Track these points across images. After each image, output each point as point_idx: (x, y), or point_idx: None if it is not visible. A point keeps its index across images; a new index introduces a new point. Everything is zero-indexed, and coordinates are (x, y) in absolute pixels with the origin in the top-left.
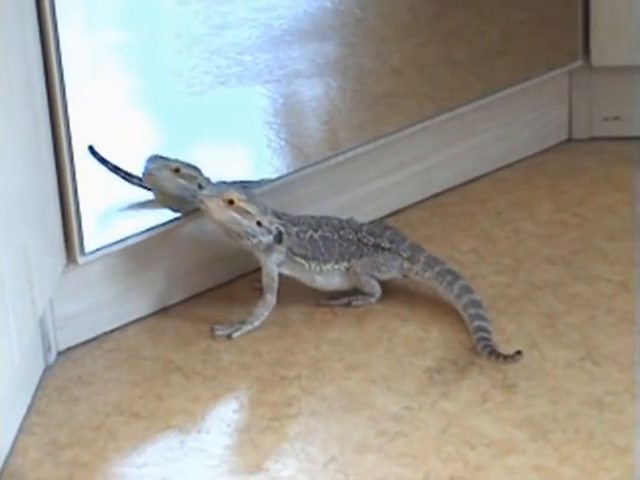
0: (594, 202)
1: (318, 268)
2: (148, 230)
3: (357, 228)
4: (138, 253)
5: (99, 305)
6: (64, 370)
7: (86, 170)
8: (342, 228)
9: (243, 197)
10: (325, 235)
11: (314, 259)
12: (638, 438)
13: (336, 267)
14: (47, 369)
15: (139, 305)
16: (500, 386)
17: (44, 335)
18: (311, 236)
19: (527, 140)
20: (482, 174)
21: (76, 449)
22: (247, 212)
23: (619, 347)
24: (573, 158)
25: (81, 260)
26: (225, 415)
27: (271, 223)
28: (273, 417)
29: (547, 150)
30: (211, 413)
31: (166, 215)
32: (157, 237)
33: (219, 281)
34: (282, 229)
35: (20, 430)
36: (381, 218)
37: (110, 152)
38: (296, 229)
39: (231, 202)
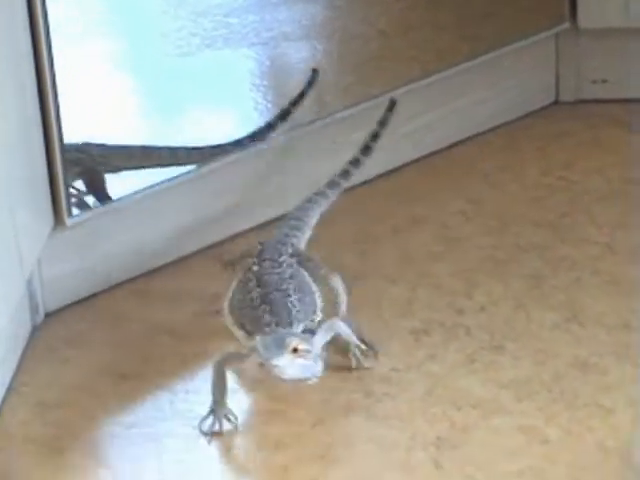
0: (581, 165)
1: None
2: (135, 192)
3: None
4: (126, 215)
5: (87, 267)
6: (52, 331)
7: (74, 132)
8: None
9: (300, 337)
10: None
11: None
12: (623, 399)
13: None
14: (35, 330)
15: (127, 267)
16: (486, 347)
17: (32, 296)
18: None
19: (514, 103)
20: (469, 137)
21: (64, 409)
22: (308, 351)
23: (605, 309)
24: (560, 121)
25: (68, 222)
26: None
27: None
28: (260, 379)
29: (534, 113)
30: (199, 374)
31: (153, 177)
32: (144, 199)
33: (208, 242)
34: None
35: (8, 390)
36: (370, 181)
37: (97, 114)
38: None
39: (295, 350)
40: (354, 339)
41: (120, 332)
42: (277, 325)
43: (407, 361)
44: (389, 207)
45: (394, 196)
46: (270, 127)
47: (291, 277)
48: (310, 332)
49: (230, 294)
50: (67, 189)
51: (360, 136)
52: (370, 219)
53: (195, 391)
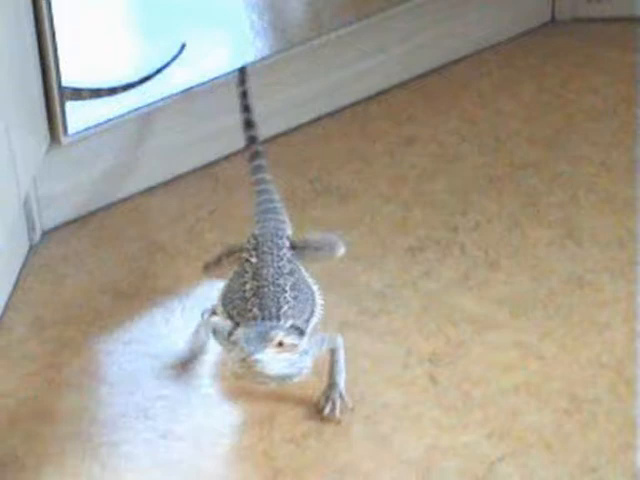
0: (576, 83)
1: None
2: (132, 111)
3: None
4: (122, 133)
5: (83, 185)
6: (49, 249)
7: (69, 49)
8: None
9: (286, 330)
10: None
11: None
12: (618, 315)
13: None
14: (32, 248)
15: (123, 185)
16: (482, 264)
17: (28, 215)
18: None
19: (510, 21)
20: (464, 55)
21: (61, 326)
22: (294, 345)
23: (600, 226)
24: (556, 39)
25: (64, 140)
26: (209, 293)
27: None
28: None
29: (530, 31)
30: (195, 291)
31: (150, 96)
32: (141, 118)
33: (204, 161)
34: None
35: (5, 308)
36: (363, 102)
37: (91, 29)
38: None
39: (281, 344)
40: (342, 380)
41: (116, 250)
42: (263, 319)
43: (402, 278)
44: (383, 128)
45: (388, 117)
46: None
47: (290, 273)
48: (298, 330)
49: (225, 284)
50: (63, 107)
51: (355, 55)
52: (364, 139)
53: (191, 308)
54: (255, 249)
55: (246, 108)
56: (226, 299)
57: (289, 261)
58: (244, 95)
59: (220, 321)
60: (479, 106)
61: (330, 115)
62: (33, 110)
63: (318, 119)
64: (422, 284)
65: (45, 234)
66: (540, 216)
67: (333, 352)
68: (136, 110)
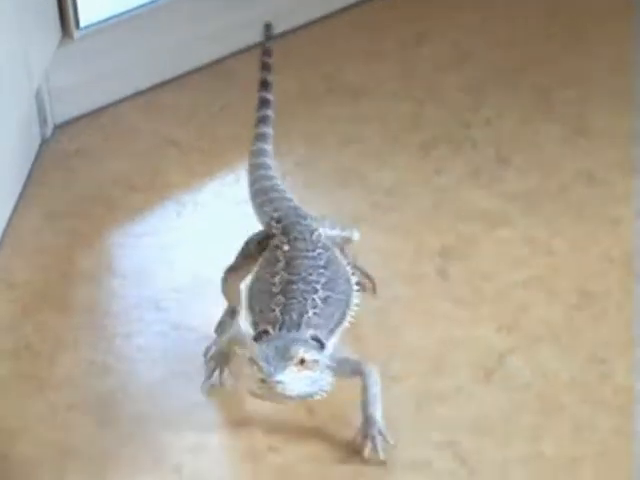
0: None
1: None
2: (145, 4)
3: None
4: (135, 27)
5: (96, 79)
6: (61, 143)
7: None
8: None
9: (307, 344)
10: None
11: None
12: (628, 210)
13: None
14: (44, 142)
15: (136, 79)
16: (493, 161)
17: (40, 108)
18: None
19: None
20: None
21: (75, 219)
22: (315, 361)
23: (612, 122)
24: None
25: (76, 34)
26: (220, 188)
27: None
28: None
29: None
30: (207, 186)
31: None
32: (153, 11)
33: (216, 56)
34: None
35: (19, 200)
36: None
37: None
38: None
39: (302, 361)
40: (378, 412)
41: (128, 145)
42: (281, 328)
43: (413, 174)
44: (393, 24)
45: (399, 14)
46: None
47: (325, 265)
48: (319, 343)
49: (254, 273)
50: (74, 1)
51: None
52: (375, 37)
53: (202, 203)
54: (284, 234)
55: (266, 66)
56: (254, 289)
57: (324, 247)
58: (267, 53)
59: (239, 333)
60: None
61: (341, 12)
62: (45, 3)
63: (329, 16)
64: (433, 180)
65: (57, 128)
66: (552, 112)
67: (364, 379)
68: (149, 4)
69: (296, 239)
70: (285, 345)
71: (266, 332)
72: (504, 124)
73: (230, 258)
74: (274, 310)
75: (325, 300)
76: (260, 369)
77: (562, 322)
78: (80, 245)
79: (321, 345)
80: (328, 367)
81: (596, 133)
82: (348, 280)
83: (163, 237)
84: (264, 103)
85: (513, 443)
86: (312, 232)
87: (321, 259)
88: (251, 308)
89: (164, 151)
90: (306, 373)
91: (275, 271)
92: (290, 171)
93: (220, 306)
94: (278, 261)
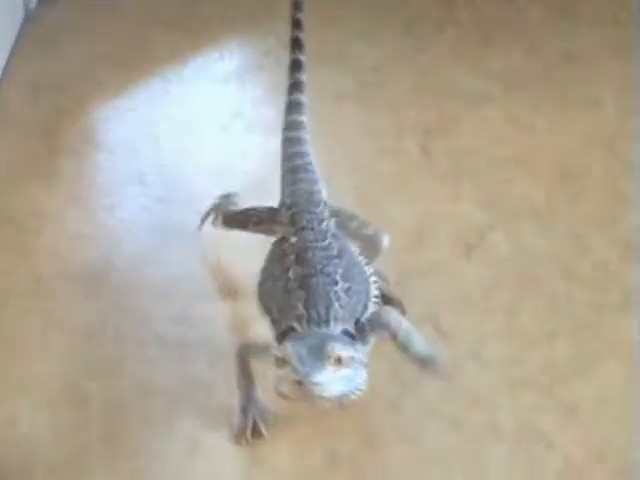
0: None
1: None
2: None
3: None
4: None
5: None
6: (46, 18)
7: None
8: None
9: (342, 340)
10: None
11: None
12: (610, 92)
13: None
14: (28, 16)
15: None
16: (476, 40)
17: None
18: None
19: None
20: None
21: (59, 93)
22: (351, 357)
23: (597, 5)
24: None
25: None
26: (205, 65)
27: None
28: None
29: None
30: (193, 63)
31: None
32: None
33: None
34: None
35: (3, 74)
36: None
37: None
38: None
39: (339, 360)
40: (425, 349)
41: (114, 22)
42: (309, 323)
43: (397, 52)
44: None
45: None
46: None
47: (339, 255)
48: (351, 337)
49: (262, 269)
50: None
51: None
52: None
53: (187, 80)
54: (291, 223)
55: (297, 23)
56: (265, 288)
57: (334, 237)
58: (298, 6)
59: (257, 344)
60: None
61: None
62: None
63: None
64: (417, 58)
65: (41, 3)
66: None
67: (396, 335)
68: None
69: (303, 229)
70: (319, 343)
71: (292, 329)
72: (488, 3)
73: (214, 136)
74: (296, 305)
75: (347, 291)
76: (295, 370)
77: (542, 199)
78: (65, 119)
79: (352, 338)
80: (362, 362)
81: (581, 14)
82: (362, 270)
83: (148, 113)
84: (296, 64)
85: (491, 317)
86: (321, 221)
87: (333, 249)
88: (266, 307)
89: (150, 28)
90: (343, 372)
91: (286, 266)
92: (274, 51)
93: (205, 182)
94: (287, 255)
